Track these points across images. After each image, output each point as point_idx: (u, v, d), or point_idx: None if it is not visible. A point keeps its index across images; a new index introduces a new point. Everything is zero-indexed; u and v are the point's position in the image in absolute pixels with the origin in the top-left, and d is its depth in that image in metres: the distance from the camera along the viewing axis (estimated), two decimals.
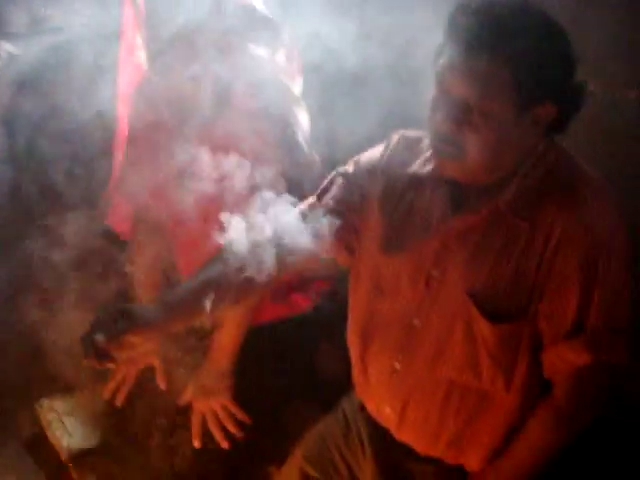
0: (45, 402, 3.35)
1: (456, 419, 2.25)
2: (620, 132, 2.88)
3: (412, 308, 2.24)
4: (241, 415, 2.95)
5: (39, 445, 3.28)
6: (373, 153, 2.38)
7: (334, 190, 2.40)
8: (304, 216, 2.30)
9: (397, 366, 2.29)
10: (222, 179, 2.80)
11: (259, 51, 2.85)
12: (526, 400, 2.17)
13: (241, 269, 2.22)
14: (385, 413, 2.38)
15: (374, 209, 2.31)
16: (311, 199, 2.42)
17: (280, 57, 2.91)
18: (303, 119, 2.89)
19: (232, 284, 2.26)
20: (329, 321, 2.82)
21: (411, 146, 2.31)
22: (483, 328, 2.10)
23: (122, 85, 3.47)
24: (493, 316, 2.09)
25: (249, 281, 2.19)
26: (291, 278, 2.97)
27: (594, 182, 2.07)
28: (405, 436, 2.38)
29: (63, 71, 3.79)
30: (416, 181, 2.24)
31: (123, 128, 3.45)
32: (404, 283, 2.25)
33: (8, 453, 3.29)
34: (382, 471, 2.44)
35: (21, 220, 3.69)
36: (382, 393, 2.38)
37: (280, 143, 2.80)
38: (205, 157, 2.79)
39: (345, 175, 2.40)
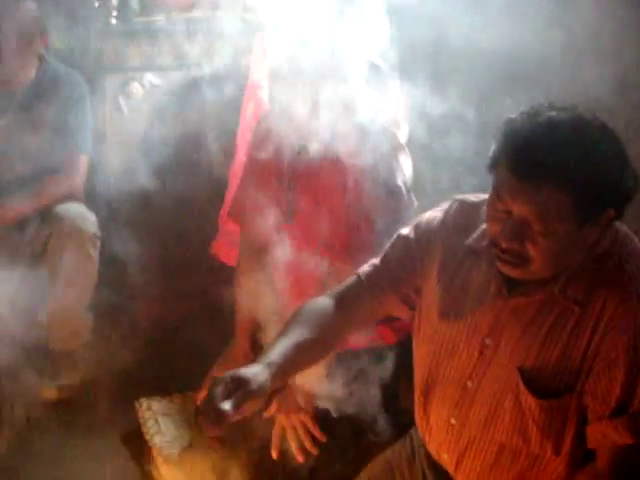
0: (144, 401, 3.38)
1: (507, 475, 2.26)
2: None
3: (466, 371, 2.27)
4: (318, 433, 2.95)
5: (135, 440, 3.29)
6: (433, 218, 2.36)
7: (396, 253, 2.41)
8: (368, 277, 2.42)
9: (453, 421, 2.31)
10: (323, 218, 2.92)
11: (372, 97, 2.89)
12: (575, 461, 2.17)
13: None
14: (443, 458, 2.40)
15: (433, 275, 2.32)
16: (375, 260, 2.44)
17: (390, 103, 2.99)
18: (406, 164, 2.94)
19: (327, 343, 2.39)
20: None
21: (470, 215, 2.28)
22: (530, 401, 2.13)
23: (244, 119, 3.66)
24: (539, 391, 2.12)
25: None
26: None
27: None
28: (461, 478, 2.39)
29: (198, 103, 4.00)
30: (474, 253, 2.24)
31: (240, 159, 3.61)
32: (460, 347, 2.28)
33: (107, 444, 3.36)
34: None
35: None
36: (441, 441, 2.39)
37: (383, 186, 2.86)
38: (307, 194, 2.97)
39: (407, 239, 2.39)
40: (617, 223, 2.09)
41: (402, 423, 2.74)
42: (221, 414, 1.98)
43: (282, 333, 2.29)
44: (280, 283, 3.19)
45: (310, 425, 2.97)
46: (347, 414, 2.94)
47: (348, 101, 2.87)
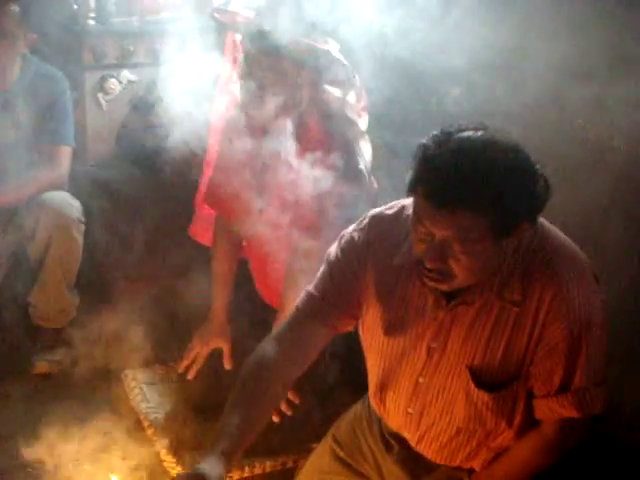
0: (129, 372, 3.42)
1: (465, 447, 2.30)
2: None
3: (417, 369, 2.26)
4: (292, 396, 2.89)
5: (123, 407, 3.31)
6: (357, 239, 2.29)
7: (334, 279, 2.32)
8: (315, 308, 2.32)
9: (410, 410, 2.32)
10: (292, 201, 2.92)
11: (333, 90, 2.93)
12: (524, 428, 2.23)
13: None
14: (404, 435, 2.42)
15: (372, 292, 2.28)
16: (311, 290, 2.34)
17: (351, 97, 2.97)
18: (365, 149, 2.96)
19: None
20: None
21: (390, 230, 2.24)
22: (481, 396, 2.16)
23: (216, 111, 3.58)
24: (489, 385, 2.14)
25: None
26: None
27: (572, 260, 2.10)
28: (421, 450, 2.39)
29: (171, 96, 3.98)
30: (405, 272, 2.20)
31: (212, 148, 3.58)
32: (408, 353, 2.26)
33: (98, 408, 3.32)
34: (403, 462, 2.45)
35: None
36: (400, 424, 2.40)
37: (345, 169, 2.83)
38: (279, 177, 2.93)
39: (339, 264, 2.31)
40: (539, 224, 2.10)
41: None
42: None
43: (232, 405, 2.21)
44: (253, 261, 3.24)
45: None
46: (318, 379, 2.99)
47: (313, 92, 2.90)
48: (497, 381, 2.13)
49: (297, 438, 3.01)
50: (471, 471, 2.35)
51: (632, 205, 2.86)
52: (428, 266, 1.98)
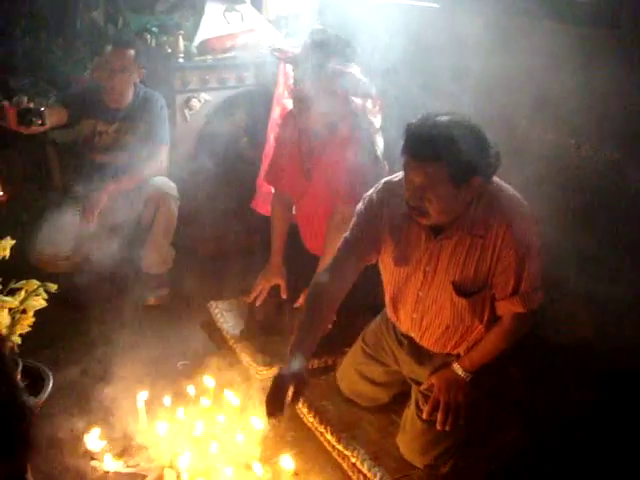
0: (214, 302, 3.55)
1: (452, 340, 2.51)
2: (591, 182, 2.89)
3: (417, 286, 2.47)
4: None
5: (210, 327, 3.47)
6: (374, 199, 2.50)
7: (362, 227, 2.53)
8: (351, 247, 2.54)
9: (414, 316, 2.54)
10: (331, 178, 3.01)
11: (356, 99, 3.05)
12: (491, 324, 2.42)
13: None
14: (410, 334, 2.62)
15: (387, 237, 2.48)
16: (346, 235, 2.55)
17: (369, 103, 3.10)
18: (379, 141, 3.05)
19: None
20: None
21: (396, 192, 2.40)
22: (460, 301, 2.38)
23: (272, 118, 3.77)
24: (466, 293, 2.36)
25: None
26: None
27: (518, 206, 2.31)
28: (424, 343, 2.59)
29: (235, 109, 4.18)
30: (407, 219, 2.38)
31: (270, 144, 3.76)
32: (410, 275, 2.47)
33: (193, 328, 3.49)
34: (412, 353, 2.65)
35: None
36: (408, 327, 2.61)
37: (366, 154, 2.95)
38: (322, 161, 3.05)
39: (365, 216, 2.52)
40: (493, 180, 2.30)
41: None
42: (284, 406, 2.26)
43: (303, 321, 2.46)
44: (302, 221, 3.33)
45: None
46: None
47: (342, 102, 2.98)
48: (471, 290, 2.36)
49: (335, 344, 3.08)
50: (458, 356, 2.52)
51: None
52: (410, 204, 2.25)
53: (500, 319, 2.41)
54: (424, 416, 2.46)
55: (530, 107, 2.99)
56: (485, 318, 2.42)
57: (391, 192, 2.47)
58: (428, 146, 2.13)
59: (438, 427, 2.43)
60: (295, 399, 2.30)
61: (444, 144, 2.11)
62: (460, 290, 2.37)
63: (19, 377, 1.97)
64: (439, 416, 2.43)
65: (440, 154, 2.12)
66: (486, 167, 2.20)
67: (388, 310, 2.67)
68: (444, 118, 2.17)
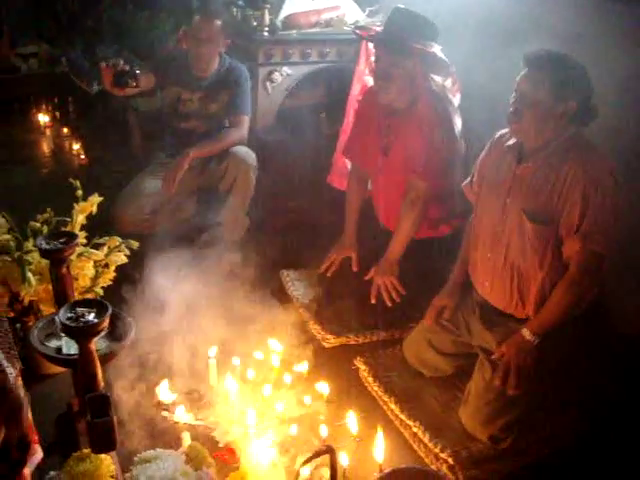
0: (285, 271, 3.72)
1: (517, 288, 2.59)
2: None
3: (496, 221, 2.62)
4: (400, 288, 3.14)
5: (281, 295, 3.56)
6: (488, 147, 2.77)
7: (475, 168, 2.82)
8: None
9: (489, 255, 2.66)
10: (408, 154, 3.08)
11: (437, 77, 3.09)
12: (553, 278, 2.50)
13: None
14: (484, 286, 2.71)
15: (485, 174, 2.73)
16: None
17: (448, 82, 3.13)
18: (458, 120, 3.08)
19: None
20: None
21: (502, 139, 2.68)
22: (528, 226, 2.48)
23: (352, 94, 3.83)
24: (534, 220, 2.47)
25: None
26: (442, 214, 3.21)
27: (600, 153, 2.42)
28: (494, 300, 2.69)
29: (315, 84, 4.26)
30: (503, 152, 2.62)
31: (348, 119, 3.82)
32: (493, 205, 2.63)
33: (265, 294, 3.47)
34: (484, 320, 2.74)
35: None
36: (483, 274, 2.71)
37: (444, 133, 3.02)
38: (399, 137, 3.11)
39: (478, 162, 2.80)
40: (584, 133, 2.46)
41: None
42: None
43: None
44: (377, 196, 3.40)
45: (395, 283, 3.17)
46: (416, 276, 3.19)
47: (424, 81, 3.05)
48: (540, 219, 2.47)
49: (402, 318, 3.23)
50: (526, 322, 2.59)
51: None
52: (511, 109, 2.45)
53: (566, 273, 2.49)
54: (496, 381, 2.52)
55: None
56: (546, 264, 2.50)
57: (499, 139, 2.72)
58: (544, 57, 2.38)
59: (510, 392, 2.49)
60: None
61: (556, 60, 2.37)
62: (530, 217, 2.49)
63: (107, 322, 2.09)
64: (512, 379, 2.48)
65: (550, 64, 2.37)
66: (585, 103, 2.39)
67: (471, 258, 2.80)
68: (562, 52, 2.41)
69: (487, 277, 2.70)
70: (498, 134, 2.74)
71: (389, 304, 3.18)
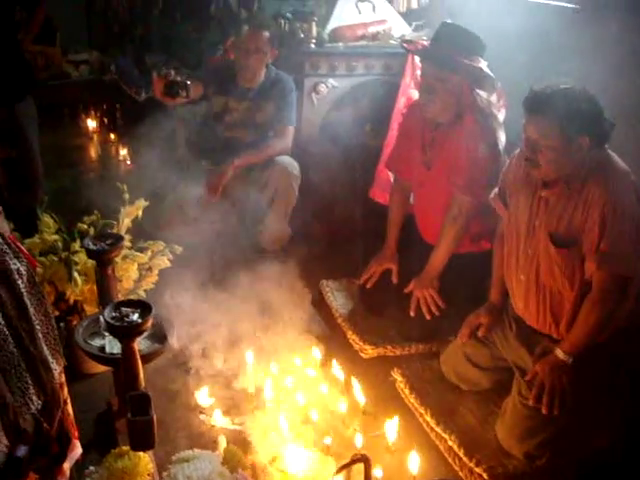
0: (325, 281, 3.71)
1: (550, 308, 2.58)
2: None
3: (526, 243, 2.61)
4: (439, 302, 3.15)
5: (320, 305, 3.64)
6: (509, 162, 2.77)
7: (500, 185, 2.81)
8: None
9: (522, 277, 2.65)
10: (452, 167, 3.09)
11: (482, 92, 3.07)
12: (583, 295, 2.48)
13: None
14: (519, 306, 2.71)
15: (512, 192, 2.71)
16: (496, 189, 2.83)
17: (493, 97, 3.10)
18: (502, 135, 3.08)
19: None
20: None
21: (522, 157, 2.61)
22: (553, 250, 2.48)
23: (397, 107, 3.87)
24: (558, 244, 2.47)
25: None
26: (483, 229, 3.19)
27: (620, 171, 2.41)
28: (528, 319, 2.68)
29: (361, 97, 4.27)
30: (526, 172, 2.59)
31: (392, 132, 3.84)
32: (521, 228, 2.63)
33: (303, 302, 3.55)
34: (520, 337, 2.73)
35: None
36: (517, 293, 2.70)
37: (488, 148, 3.03)
38: (443, 151, 3.12)
39: (502, 177, 2.80)
40: (605, 150, 2.44)
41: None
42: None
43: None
44: (419, 209, 3.41)
45: (435, 296, 3.18)
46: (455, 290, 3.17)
47: (469, 94, 3.05)
48: (564, 243, 2.47)
49: (440, 331, 3.22)
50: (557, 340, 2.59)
51: None
52: (526, 155, 2.46)
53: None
54: (531, 401, 2.50)
55: None
56: (576, 283, 2.49)
57: (519, 156, 2.68)
58: (543, 101, 2.36)
59: (543, 410, 2.47)
60: None
61: (557, 100, 2.33)
62: (555, 241, 2.49)
63: (150, 323, 2.15)
64: (545, 399, 2.47)
65: (552, 108, 2.33)
66: (596, 131, 2.37)
67: (506, 277, 2.79)
68: (562, 86, 2.38)
69: (520, 297, 2.70)
70: (517, 151, 2.72)
71: (428, 317, 3.19)
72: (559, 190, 2.48)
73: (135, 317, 2.14)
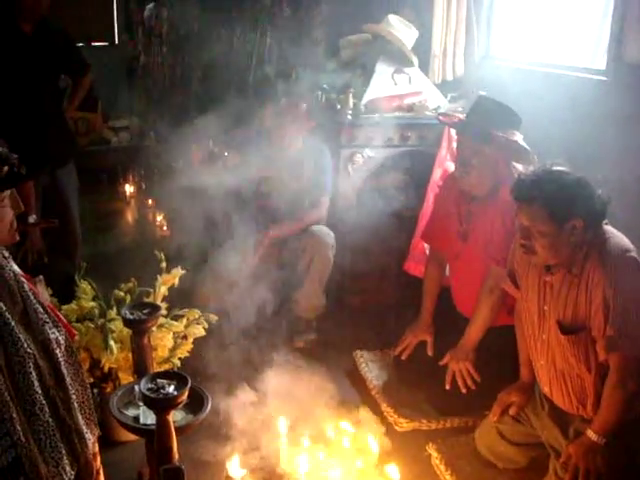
0: (359, 352, 3.70)
1: (574, 391, 2.55)
2: None
3: (538, 326, 2.62)
4: (475, 375, 3.12)
5: (354, 375, 3.62)
6: (515, 242, 2.69)
7: (508, 265, 2.82)
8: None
9: (542, 362, 2.64)
10: (488, 240, 3.07)
11: (518, 166, 3.07)
12: (604, 376, 2.44)
13: None
14: (545, 389, 2.69)
15: (519, 276, 2.73)
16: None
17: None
18: None
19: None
20: None
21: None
22: (561, 338, 2.48)
23: (433, 179, 3.89)
24: (567, 331, 2.47)
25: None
26: None
27: (620, 248, 2.39)
28: (557, 401, 2.65)
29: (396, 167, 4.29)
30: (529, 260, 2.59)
31: (428, 204, 3.87)
32: (532, 312, 2.64)
33: (337, 374, 3.56)
34: (553, 416, 2.68)
35: None
36: (542, 377, 2.68)
37: None
38: (480, 223, 3.12)
39: (509, 258, 2.81)
40: (605, 227, 2.44)
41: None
42: None
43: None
44: (455, 281, 3.41)
45: (470, 369, 3.16)
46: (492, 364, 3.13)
47: (504, 167, 3.07)
48: (572, 329, 2.45)
49: (476, 405, 3.15)
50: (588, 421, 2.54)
51: None
52: (521, 242, 2.46)
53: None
54: None
55: None
56: (593, 366, 2.45)
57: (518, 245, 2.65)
58: (529, 188, 2.39)
59: None
60: None
61: (543, 185, 2.36)
62: (563, 328, 2.48)
63: (186, 396, 2.18)
64: None
65: (539, 194, 2.35)
66: (588, 211, 2.36)
67: (531, 359, 2.77)
68: (548, 167, 2.42)
69: (545, 381, 2.68)
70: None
71: (464, 391, 3.16)
72: (561, 275, 2.48)
73: (171, 389, 2.16)
